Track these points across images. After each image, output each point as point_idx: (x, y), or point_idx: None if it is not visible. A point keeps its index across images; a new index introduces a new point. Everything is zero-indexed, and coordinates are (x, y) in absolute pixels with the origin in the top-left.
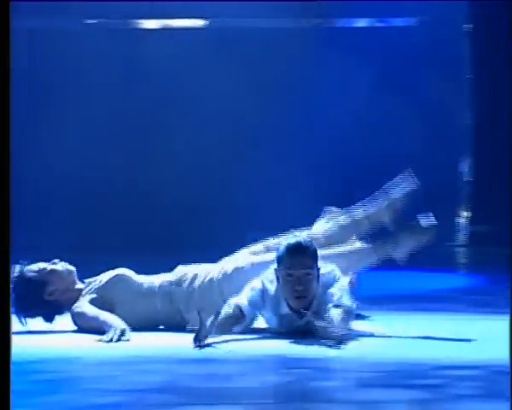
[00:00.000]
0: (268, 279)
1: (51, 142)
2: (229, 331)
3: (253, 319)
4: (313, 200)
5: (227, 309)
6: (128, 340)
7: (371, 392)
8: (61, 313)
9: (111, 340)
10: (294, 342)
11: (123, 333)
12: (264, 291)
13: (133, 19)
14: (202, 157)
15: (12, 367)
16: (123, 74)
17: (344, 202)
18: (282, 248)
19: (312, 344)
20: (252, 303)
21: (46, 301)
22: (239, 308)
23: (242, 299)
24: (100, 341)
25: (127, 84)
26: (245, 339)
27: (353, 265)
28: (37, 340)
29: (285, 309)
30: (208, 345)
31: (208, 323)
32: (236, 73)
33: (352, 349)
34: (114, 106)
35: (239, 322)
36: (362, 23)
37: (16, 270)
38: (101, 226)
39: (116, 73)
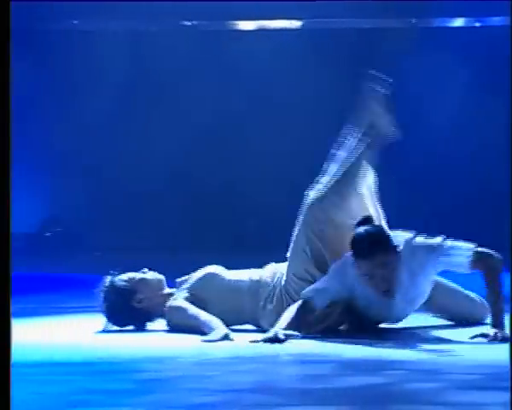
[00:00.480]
0: (348, 263)
1: (151, 141)
2: (300, 327)
3: (343, 306)
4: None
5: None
6: (232, 340)
7: (468, 394)
8: (150, 320)
9: (215, 341)
10: (387, 344)
11: (226, 337)
12: (342, 274)
13: (229, 20)
14: (295, 157)
15: (113, 366)
16: (218, 75)
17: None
18: (356, 245)
19: (405, 346)
20: (322, 290)
21: (136, 309)
22: (304, 299)
23: (309, 289)
24: (205, 341)
25: (222, 85)
26: (336, 340)
27: None
28: (132, 340)
29: (374, 294)
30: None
31: (283, 325)
32: (332, 73)
33: (445, 351)
34: (210, 106)
35: (307, 314)
36: (458, 23)
37: (107, 281)
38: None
39: (211, 74)
